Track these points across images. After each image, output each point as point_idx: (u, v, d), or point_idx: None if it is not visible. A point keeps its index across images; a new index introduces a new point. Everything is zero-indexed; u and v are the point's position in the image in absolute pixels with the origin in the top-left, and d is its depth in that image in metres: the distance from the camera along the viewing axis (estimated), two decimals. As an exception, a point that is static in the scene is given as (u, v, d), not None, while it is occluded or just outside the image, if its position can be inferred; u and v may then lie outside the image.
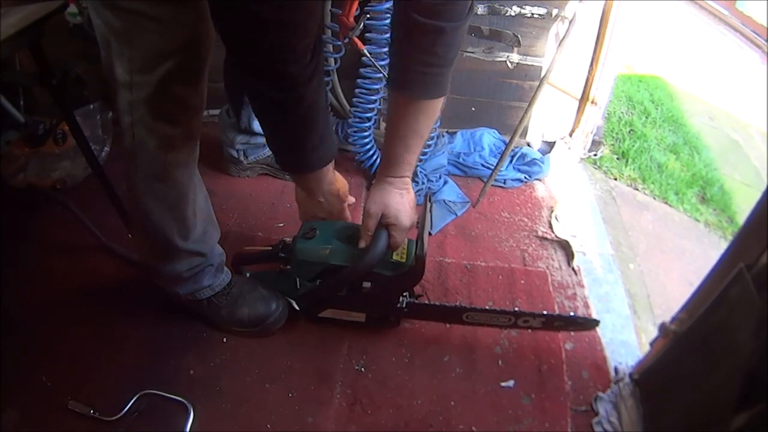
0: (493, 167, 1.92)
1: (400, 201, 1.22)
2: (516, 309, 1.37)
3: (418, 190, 1.87)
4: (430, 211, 1.33)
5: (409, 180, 1.24)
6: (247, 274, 1.48)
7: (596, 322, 1.41)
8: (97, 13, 0.98)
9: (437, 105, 1.17)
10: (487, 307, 1.37)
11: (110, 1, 0.95)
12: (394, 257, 1.30)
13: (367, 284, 1.32)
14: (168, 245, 1.24)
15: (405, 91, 1.13)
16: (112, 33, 0.98)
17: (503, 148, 1.99)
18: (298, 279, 1.38)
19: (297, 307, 1.43)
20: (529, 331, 1.45)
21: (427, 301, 1.43)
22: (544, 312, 1.37)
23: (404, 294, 1.39)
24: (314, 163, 1.16)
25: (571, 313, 1.39)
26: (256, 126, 1.77)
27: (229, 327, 1.40)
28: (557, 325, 1.41)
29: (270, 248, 1.42)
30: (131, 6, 0.93)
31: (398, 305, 1.38)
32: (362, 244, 1.27)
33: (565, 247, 1.79)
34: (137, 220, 1.27)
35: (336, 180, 1.27)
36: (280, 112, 1.03)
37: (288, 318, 1.42)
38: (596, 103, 2.08)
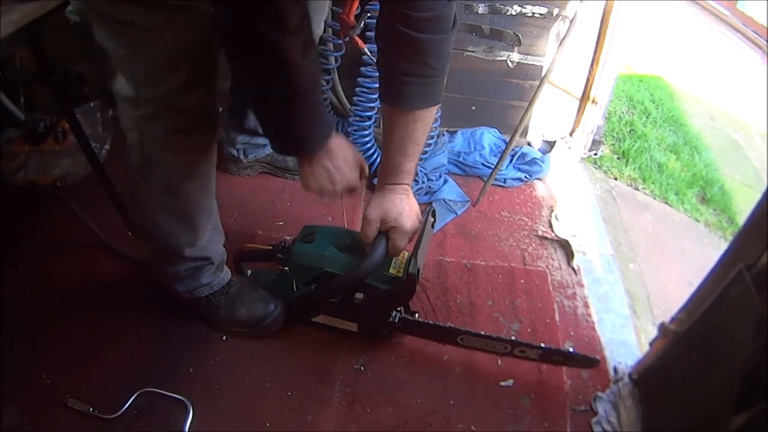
0: (493, 166, 1.92)
1: (400, 204, 1.21)
2: (513, 338, 1.34)
3: (418, 189, 1.87)
4: (432, 226, 1.30)
5: (409, 187, 1.23)
6: (248, 272, 1.48)
7: (596, 361, 1.34)
8: (96, 25, 0.97)
9: (432, 111, 1.17)
10: (482, 333, 1.33)
11: (106, 13, 0.94)
12: (391, 271, 1.28)
13: (359, 295, 1.30)
14: (175, 254, 1.24)
15: (399, 103, 1.13)
16: (112, 47, 0.97)
17: (503, 148, 1.99)
18: (294, 281, 1.38)
19: (291, 310, 1.43)
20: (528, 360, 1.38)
21: (422, 319, 1.40)
22: (542, 345, 1.33)
23: (398, 309, 1.37)
24: (321, 136, 1.05)
25: (570, 349, 1.37)
26: None
27: (227, 326, 1.40)
28: (555, 360, 1.37)
29: (270, 248, 1.42)
30: (127, 18, 0.92)
31: (391, 320, 1.36)
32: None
33: (565, 247, 1.79)
34: (144, 231, 1.26)
35: (345, 147, 1.11)
36: (284, 86, 0.93)
37: (287, 318, 1.42)
38: (597, 103, 2.08)
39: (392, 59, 1.09)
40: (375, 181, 1.29)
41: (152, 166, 1.10)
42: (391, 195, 1.21)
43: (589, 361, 1.34)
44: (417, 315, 1.41)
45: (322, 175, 1.08)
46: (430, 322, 1.38)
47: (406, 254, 1.30)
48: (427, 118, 1.16)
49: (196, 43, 0.97)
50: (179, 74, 0.98)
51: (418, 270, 1.21)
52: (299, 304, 1.39)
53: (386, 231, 1.22)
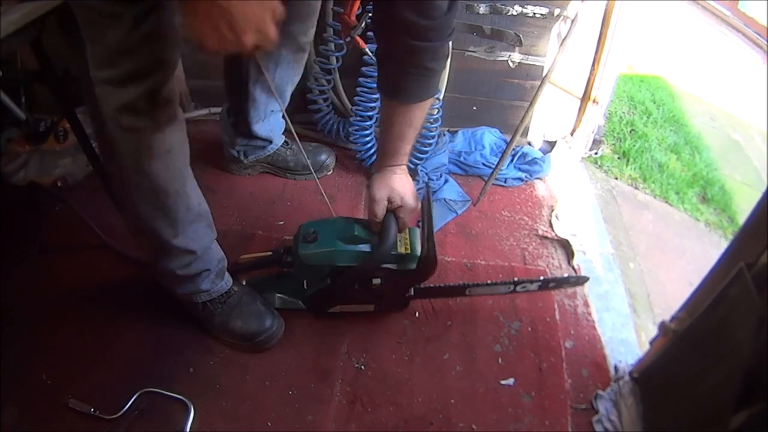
0: (494, 166, 1.92)
1: (401, 184, 1.27)
2: (515, 279, 1.43)
3: (418, 189, 1.87)
4: (430, 202, 1.35)
5: (406, 167, 1.30)
6: (243, 282, 1.45)
7: (585, 279, 1.53)
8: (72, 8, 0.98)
9: (431, 99, 1.22)
10: (488, 282, 1.42)
11: None
12: (399, 249, 1.30)
13: (377, 281, 1.32)
14: (156, 239, 1.23)
15: (398, 98, 1.17)
16: (81, 29, 0.98)
17: (504, 147, 1.99)
18: (305, 281, 1.38)
19: (304, 307, 1.43)
20: (527, 292, 1.52)
21: (433, 284, 1.45)
22: (540, 278, 1.47)
23: None
24: None
25: (565, 275, 1.53)
26: (256, 130, 1.76)
27: (220, 335, 1.39)
28: (552, 286, 1.52)
29: (270, 253, 1.41)
30: (88, 2, 0.93)
31: (407, 294, 1.40)
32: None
33: (566, 246, 1.79)
34: (129, 214, 1.26)
35: None
36: None
37: (287, 316, 1.42)
38: (597, 103, 2.07)
39: (391, 61, 1.13)
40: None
41: (113, 143, 1.11)
42: (392, 175, 1.27)
43: (580, 279, 1.53)
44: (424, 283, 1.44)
45: (215, 15, 0.77)
46: (441, 285, 1.47)
47: (408, 230, 1.35)
48: (425, 106, 1.21)
49: (153, 34, 0.97)
50: (131, 61, 0.98)
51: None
52: (315, 301, 1.40)
53: (392, 210, 1.27)
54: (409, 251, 1.31)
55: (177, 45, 1.04)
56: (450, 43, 1.84)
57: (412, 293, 1.40)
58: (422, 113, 1.21)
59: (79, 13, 0.97)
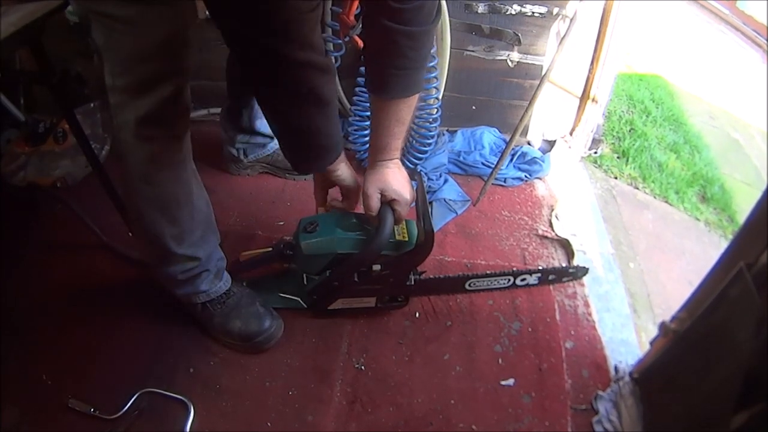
0: (493, 166, 1.92)
1: (394, 177, 1.27)
2: (513, 269, 1.45)
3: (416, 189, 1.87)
4: (423, 188, 1.38)
5: (398, 160, 1.30)
6: (243, 283, 1.45)
7: (585, 270, 1.54)
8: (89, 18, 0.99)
9: (416, 96, 1.22)
10: (487, 272, 1.42)
11: (90, 7, 0.96)
12: (396, 237, 1.32)
13: (377, 267, 1.33)
14: (161, 247, 1.24)
15: (382, 93, 1.18)
16: (97, 37, 0.99)
17: (504, 147, 1.99)
18: (305, 275, 1.38)
19: (305, 305, 1.43)
20: (527, 287, 1.53)
21: (433, 276, 1.46)
22: (539, 267, 1.49)
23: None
24: (331, 156, 1.23)
25: (564, 265, 1.53)
26: (258, 125, 1.76)
27: (219, 336, 1.39)
28: (552, 279, 1.52)
29: (270, 249, 1.41)
30: (101, 9, 0.94)
31: (408, 283, 1.40)
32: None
33: (566, 246, 1.79)
34: (133, 220, 1.27)
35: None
36: (305, 106, 1.08)
37: (287, 316, 1.42)
38: (597, 102, 2.07)
39: (376, 52, 1.13)
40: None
41: (127, 155, 1.12)
42: (384, 169, 1.27)
43: (579, 271, 1.53)
44: (424, 274, 1.45)
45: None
46: (441, 275, 1.47)
47: (405, 222, 1.37)
48: (411, 102, 1.22)
49: (169, 37, 0.98)
50: (150, 65, 1.00)
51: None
52: (317, 294, 1.40)
53: (387, 203, 1.28)
54: (406, 239, 1.33)
55: (191, 51, 1.05)
56: (449, 42, 1.85)
57: (413, 282, 1.40)
58: (409, 109, 1.22)
59: (95, 21, 0.97)
